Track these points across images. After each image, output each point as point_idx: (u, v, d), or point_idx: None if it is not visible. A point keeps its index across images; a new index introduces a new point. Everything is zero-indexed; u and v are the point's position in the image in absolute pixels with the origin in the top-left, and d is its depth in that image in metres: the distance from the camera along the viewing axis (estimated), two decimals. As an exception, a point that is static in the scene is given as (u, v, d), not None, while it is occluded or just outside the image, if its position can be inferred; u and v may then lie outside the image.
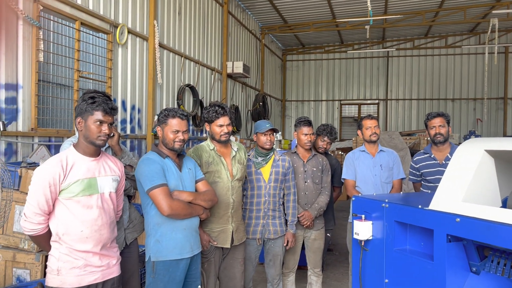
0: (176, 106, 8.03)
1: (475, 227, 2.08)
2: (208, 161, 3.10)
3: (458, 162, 2.40)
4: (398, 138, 10.79)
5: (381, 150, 3.94)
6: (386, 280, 2.61)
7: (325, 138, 4.27)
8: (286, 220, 3.59)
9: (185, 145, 2.86)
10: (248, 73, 11.03)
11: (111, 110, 2.40)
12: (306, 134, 3.77)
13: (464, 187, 2.27)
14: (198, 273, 2.89)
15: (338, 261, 5.78)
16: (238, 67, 10.38)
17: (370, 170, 3.86)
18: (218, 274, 3.19)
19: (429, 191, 3.42)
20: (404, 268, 2.50)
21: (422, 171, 3.72)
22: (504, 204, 2.33)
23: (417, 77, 15.94)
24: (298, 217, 3.65)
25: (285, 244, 3.55)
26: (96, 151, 2.43)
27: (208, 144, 3.18)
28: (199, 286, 2.90)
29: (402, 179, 3.92)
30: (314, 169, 3.81)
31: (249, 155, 3.49)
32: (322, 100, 16.97)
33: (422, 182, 3.80)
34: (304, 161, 3.82)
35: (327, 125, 4.33)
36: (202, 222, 3.04)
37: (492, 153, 2.33)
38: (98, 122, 2.35)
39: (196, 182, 2.88)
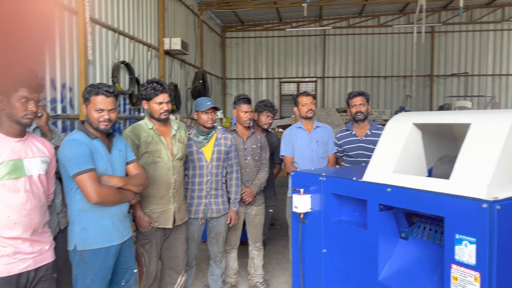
0: (111, 84, 7.68)
1: (404, 196, 2.22)
2: (147, 140, 3.01)
3: (388, 136, 2.53)
4: (335, 115, 11.17)
5: (317, 126, 4.05)
6: (324, 250, 2.73)
7: (269, 114, 4.25)
8: (228, 198, 3.61)
9: (118, 125, 2.73)
10: (187, 50, 10.77)
11: (37, 87, 2.24)
12: (245, 112, 3.77)
13: (394, 159, 2.40)
14: (132, 258, 2.78)
15: (279, 235, 5.96)
16: (176, 44, 10.08)
17: (307, 145, 3.97)
18: (160, 255, 3.15)
19: (350, 165, 3.58)
20: (341, 237, 2.62)
21: (344, 147, 3.89)
22: (430, 174, 2.50)
23: (352, 55, 16.46)
24: (240, 194, 3.68)
25: (228, 222, 3.58)
26: (21, 131, 2.27)
27: (146, 123, 3.08)
28: (135, 271, 2.81)
29: (335, 153, 4.08)
30: (254, 146, 3.85)
31: (189, 134, 3.44)
32: (262, 78, 17.04)
33: (344, 157, 3.98)
34: (243, 139, 3.83)
35: (265, 100, 4.32)
36: (142, 203, 2.97)
37: (420, 126, 2.48)
38: (24, 99, 2.19)
39: (127, 164, 2.71)
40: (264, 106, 4.22)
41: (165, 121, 3.11)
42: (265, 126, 4.25)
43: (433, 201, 2.07)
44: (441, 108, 14.91)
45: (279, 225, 6.35)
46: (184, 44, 10.43)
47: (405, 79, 16.17)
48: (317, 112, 11.32)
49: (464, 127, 2.16)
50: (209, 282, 3.77)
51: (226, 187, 3.60)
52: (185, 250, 3.25)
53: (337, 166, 3.95)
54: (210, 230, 3.57)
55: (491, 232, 1.81)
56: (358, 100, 3.84)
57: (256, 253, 3.95)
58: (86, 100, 2.56)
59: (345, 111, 12.28)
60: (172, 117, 3.61)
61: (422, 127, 2.49)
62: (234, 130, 3.86)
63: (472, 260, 1.87)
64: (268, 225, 4.43)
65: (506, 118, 2.00)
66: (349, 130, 3.94)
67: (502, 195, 1.87)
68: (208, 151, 3.43)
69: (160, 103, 3.00)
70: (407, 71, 16.00)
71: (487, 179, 1.89)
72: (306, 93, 4.06)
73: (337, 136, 4.01)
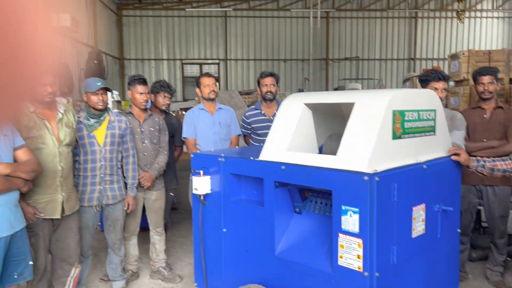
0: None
1: (297, 173, 2.33)
2: (28, 125, 2.73)
3: (283, 116, 2.62)
4: (237, 97, 11.29)
5: (219, 108, 4.05)
6: (224, 230, 2.77)
7: (166, 94, 4.12)
8: (125, 183, 3.47)
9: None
10: (78, 27, 9.97)
11: None
12: (141, 93, 3.62)
13: (288, 137, 2.50)
14: (26, 249, 2.61)
15: (183, 218, 5.91)
16: (65, 20, 9.26)
17: (209, 127, 3.95)
18: (49, 247, 2.93)
19: (260, 144, 3.68)
20: (240, 216, 2.68)
21: (252, 126, 3.99)
22: (320, 151, 2.66)
23: (254, 38, 16.70)
24: (138, 179, 3.55)
25: (125, 208, 3.44)
26: None
27: (27, 106, 2.79)
28: (30, 262, 2.62)
29: (238, 135, 4.14)
30: (151, 129, 3.72)
31: (79, 117, 3.20)
32: (163, 59, 16.52)
33: (252, 135, 4.08)
34: (140, 121, 3.68)
35: (161, 81, 4.18)
36: (25, 194, 2.71)
37: (310, 106, 2.60)
38: None
39: (15, 150, 2.52)
40: (160, 86, 4.07)
41: (49, 104, 2.85)
42: (163, 107, 4.13)
43: (322, 176, 2.20)
44: (335, 90, 15.91)
45: (183, 209, 6.30)
46: (74, 21, 9.63)
47: (303, 62, 16.88)
48: (220, 94, 11.35)
49: (350, 107, 2.31)
50: (107, 271, 3.61)
51: (123, 172, 3.45)
52: (78, 241, 3.06)
53: (245, 146, 4.03)
54: (106, 217, 3.40)
55: (371, 202, 1.98)
56: (269, 80, 3.95)
57: (157, 238, 3.87)
58: None
59: (247, 94, 12.47)
60: (63, 100, 3.32)
61: (313, 107, 2.61)
62: (130, 112, 3.69)
63: (356, 229, 2.03)
64: (170, 209, 4.37)
65: (384, 97, 2.19)
66: (258, 109, 4.02)
67: (380, 167, 2.05)
68: (100, 135, 3.24)
69: (44, 84, 2.74)
70: (305, 54, 16.70)
71: (368, 154, 2.05)
72: (208, 74, 4.04)
73: (246, 114, 4.07)
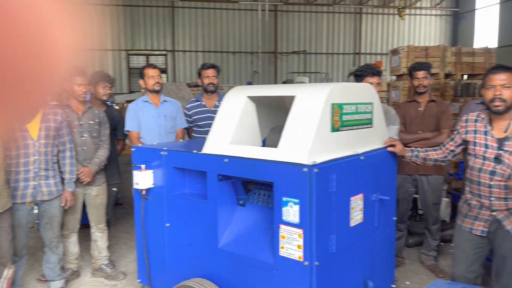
0: None
1: (240, 166, 2.34)
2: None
3: (225, 109, 2.61)
4: (185, 89, 11.12)
5: (164, 100, 3.96)
6: (168, 224, 2.73)
7: (106, 84, 3.96)
8: (62, 179, 3.31)
9: None
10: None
11: None
12: (80, 85, 3.46)
13: (231, 130, 2.49)
14: None
15: (128, 213, 5.75)
16: None
17: (154, 120, 3.86)
18: None
19: (202, 136, 3.65)
20: (183, 210, 2.65)
21: (194, 117, 3.96)
22: (264, 143, 2.68)
23: (202, 29, 16.49)
24: (77, 174, 3.41)
25: (63, 204, 3.29)
26: None
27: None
28: None
29: (185, 128, 4.08)
30: (91, 122, 3.57)
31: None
32: (107, 50, 15.91)
33: (194, 128, 4.04)
34: (79, 114, 3.52)
35: (100, 71, 4.03)
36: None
37: (254, 99, 2.61)
38: None
39: None
40: (99, 77, 3.92)
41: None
42: (104, 98, 3.98)
43: (263, 169, 2.22)
44: (284, 83, 16.10)
45: (128, 204, 6.12)
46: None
47: (252, 55, 16.92)
48: (167, 86, 11.13)
49: (293, 100, 2.34)
50: (44, 271, 3.44)
51: (59, 167, 3.29)
52: (11, 240, 2.89)
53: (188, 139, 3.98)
54: (42, 214, 3.23)
55: (311, 192, 2.02)
56: (211, 72, 3.93)
57: (99, 235, 3.74)
58: None
59: (196, 86, 12.30)
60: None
61: (256, 99, 2.62)
62: (67, 105, 3.52)
63: (296, 219, 2.07)
64: (112, 205, 4.23)
65: (323, 91, 2.24)
66: (198, 101, 3.99)
67: (319, 159, 2.10)
68: (34, 128, 3.06)
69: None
70: (253, 47, 16.75)
71: (307, 146, 2.09)
72: (152, 65, 3.95)
73: (187, 107, 4.02)
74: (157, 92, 3.89)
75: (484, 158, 2.48)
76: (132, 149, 2.91)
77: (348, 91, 2.45)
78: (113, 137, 4.01)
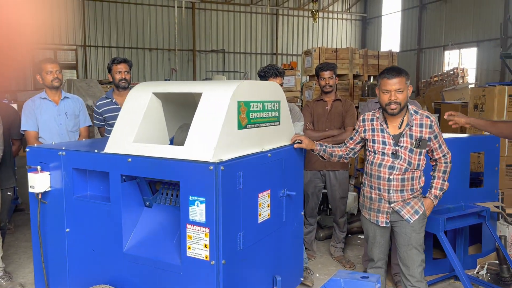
0: None
1: (144, 165, 2.24)
2: None
3: (129, 106, 2.49)
4: (96, 86, 10.55)
5: (65, 97, 3.70)
6: (68, 230, 2.54)
7: None
8: None
9: None
10: None
11: None
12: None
13: (134, 128, 2.38)
14: None
15: (29, 220, 5.28)
16: None
17: (54, 119, 3.59)
18: None
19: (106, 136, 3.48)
20: (85, 214, 2.48)
21: (105, 116, 3.76)
22: (172, 142, 2.60)
23: (115, 24, 15.77)
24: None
25: None
26: None
27: None
28: None
29: (89, 126, 3.85)
30: (-21, 120, 3.22)
31: None
32: (7, 42, 14.54)
33: (105, 126, 3.84)
34: (-37, 111, 3.16)
35: None
36: None
37: (160, 96, 2.52)
38: None
39: None
40: None
41: None
42: None
43: (169, 168, 2.15)
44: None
45: (30, 210, 5.65)
46: None
47: (169, 52, 16.55)
48: (76, 83, 10.46)
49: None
50: None
51: None
52: None
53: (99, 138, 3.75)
54: None
55: (217, 190, 2.00)
56: (122, 67, 3.77)
57: (-8, 245, 3.39)
58: None
59: (109, 83, 11.73)
60: None
61: (162, 96, 2.54)
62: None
63: (203, 218, 2.04)
64: (8, 211, 3.86)
65: (229, 88, 2.22)
66: (109, 98, 3.79)
67: (226, 157, 2.09)
68: None
69: None
70: (171, 44, 16.40)
71: (213, 143, 2.06)
72: (50, 60, 3.66)
73: (97, 104, 3.81)
74: (56, 88, 3.62)
75: (383, 154, 2.66)
76: (27, 150, 2.67)
77: (255, 89, 2.46)
78: (8, 137, 3.66)
